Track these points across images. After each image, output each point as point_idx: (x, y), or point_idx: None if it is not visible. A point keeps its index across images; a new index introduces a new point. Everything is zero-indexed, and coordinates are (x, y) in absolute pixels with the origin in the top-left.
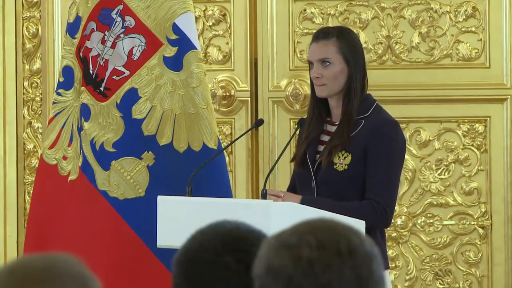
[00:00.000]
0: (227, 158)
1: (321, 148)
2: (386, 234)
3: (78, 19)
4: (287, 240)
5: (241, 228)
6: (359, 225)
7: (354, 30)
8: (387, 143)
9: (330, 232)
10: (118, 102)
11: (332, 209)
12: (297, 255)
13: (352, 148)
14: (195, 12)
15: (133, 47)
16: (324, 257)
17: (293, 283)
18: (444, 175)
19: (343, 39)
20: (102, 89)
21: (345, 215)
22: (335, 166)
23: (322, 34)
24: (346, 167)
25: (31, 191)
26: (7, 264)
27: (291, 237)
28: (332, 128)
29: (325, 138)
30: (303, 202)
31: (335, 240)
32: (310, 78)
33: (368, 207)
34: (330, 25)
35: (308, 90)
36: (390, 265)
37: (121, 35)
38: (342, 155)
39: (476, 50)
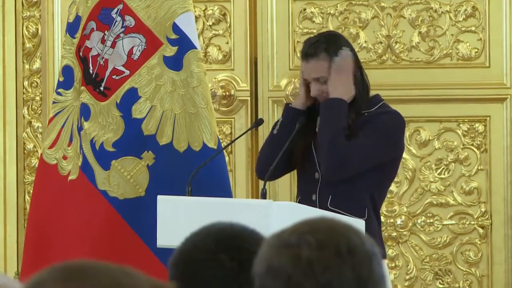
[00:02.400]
0: (227, 158)
1: None
2: (386, 234)
3: (78, 18)
4: (287, 239)
5: (234, 226)
6: (359, 224)
7: (354, 30)
8: (383, 125)
9: (330, 232)
10: (118, 101)
11: (335, 128)
12: (296, 255)
13: (351, 135)
14: (195, 11)
15: (133, 47)
16: (324, 257)
17: (292, 283)
18: (444, 174)
19: (332, 51)
20: (102, 88)
21: (334, 136)
22: None
23: (310, 52)
24: None
25: (31, 191)
26: (67, 273)
27: (291, 237)
28: None
29: None
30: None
31: (334, 240)
32: (301, 85)
33: (346, 149)
34: (329, 25)
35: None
36: (390, 265)
37: (121, 35)
38: None
39: (476, 50)
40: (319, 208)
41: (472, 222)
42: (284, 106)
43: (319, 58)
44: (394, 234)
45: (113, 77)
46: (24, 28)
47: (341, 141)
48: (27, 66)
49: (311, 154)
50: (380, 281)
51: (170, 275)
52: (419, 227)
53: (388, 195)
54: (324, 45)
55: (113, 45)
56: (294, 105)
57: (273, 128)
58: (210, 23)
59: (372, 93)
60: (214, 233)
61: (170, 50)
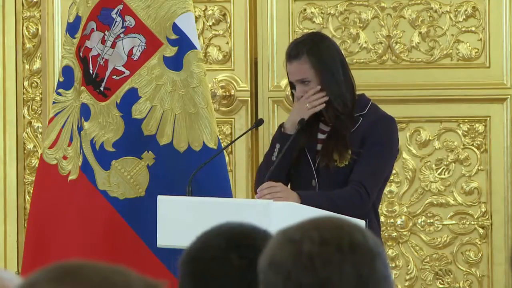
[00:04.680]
0: (227, 158)
1: (319, 147)
2: (386, 234)
3: (78, 19)
4: (291, 235)
5: (244, 225)
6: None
7: (354, 30)
8: (382, 136)
9: (334, 229)
10: (118, 102)
11: (326, 200)
12: (298, 250)
13: (351, 144)
14: (195, 12)
15: (133, 47)
16: (325, 252)
17: (292, 278)
18: (444, 174)
19: (313, 53)
20: (102, 89)
21: (338, 203)
22: (336, 163)
23: (293, 54)
24: (347, 162)
25: (31, 191)
26: (79, 272)
27: (296, 233)
28: (327, 128)
29: (322, 137)
30: (300, 196)
31: (337, 236)
32: (292, 92)
33: (355, 192)
34: (329, 25)
35: None
36: (390, 265)
37: (121, 35)
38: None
39: (476, 50)
40: None
41: (472, 222)
42: (277, 129)
43: (301, 59)
44: (394, 234)
45: (113, 77)
46: (24, 28)
47: (343, 200)
48: (27, 66)
49: (307, 160)
50: (382, 281)
51: (180, 274)
52: (419, 227)
53: (388, 195)
54: (308, 46)
55: (113, 45)
56: (287, 130)
57: (271, 151)
58: (210, 23)
59: (372, 93)
60: (224, 232)
61: (170, 50)
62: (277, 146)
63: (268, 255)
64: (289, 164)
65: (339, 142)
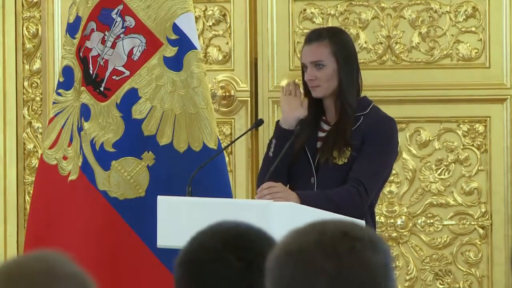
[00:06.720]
0: (227, 158)
1: (319, 145)
2: (386, 234)
3: (78, 19)
4: (299, 229)
5: (241, 226)
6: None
7: (354, 30)
8: (382, 136)
9: (348, 223)
10: (118, 102)
11: (325, 199)
12: (314, 239)
13: (351, 142)
14: (195, 12)
15: (133, 47)
16: (346, 240)
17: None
18: (444, 175)
19: (335, 40)
20: (102, 89)
21: (337, 202)
22: (335, 161)
23: (314, 36)
24: (346, 160)
25: (31, 191)
26: (3, 265)
27: (305, 227)
28: (327, 127)
29: (322, 135)
30: (299, 196)
31: (353, 229)
32: (303, 80)
33: (354, 191)
34: (330, 25)
35: None
36: None
37: (121, 35)
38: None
39: (476, 50)
40: None
41: (472, 223)
42: (275, 124)
43: (322, 42)
44: (394, 234)
45: (113, 77)
46: (24, 28)
47: (342, 199)
48: (27, 67)
49: (306, 158)
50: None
51: (176, 276)
52: (419, 227)
53: (388, 196)
54: (330, 32)
55: (113, 46)
56: (284, 125)
57: (268, 150)
58: (210, 24)
59: (373, 93)
60: (221, 232)
61: (170, 51)
62: (273, 141)
63: (281, 247)
64: (290, 161)
65: (339, 139)
